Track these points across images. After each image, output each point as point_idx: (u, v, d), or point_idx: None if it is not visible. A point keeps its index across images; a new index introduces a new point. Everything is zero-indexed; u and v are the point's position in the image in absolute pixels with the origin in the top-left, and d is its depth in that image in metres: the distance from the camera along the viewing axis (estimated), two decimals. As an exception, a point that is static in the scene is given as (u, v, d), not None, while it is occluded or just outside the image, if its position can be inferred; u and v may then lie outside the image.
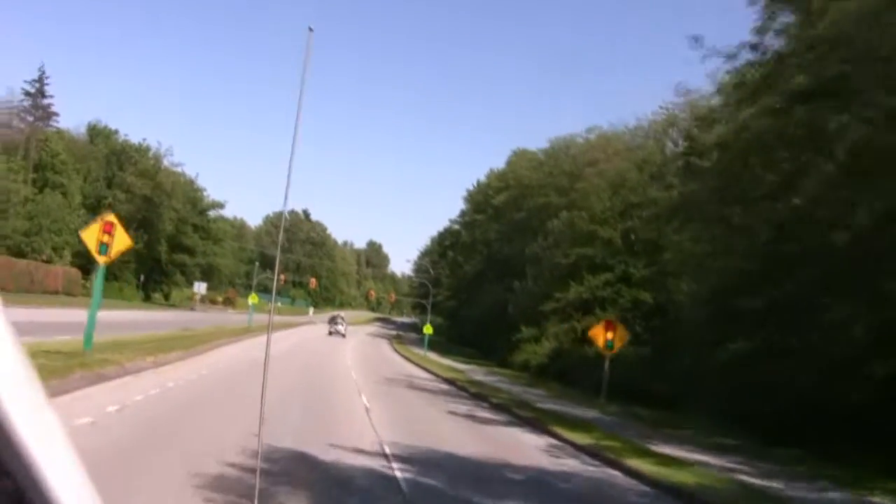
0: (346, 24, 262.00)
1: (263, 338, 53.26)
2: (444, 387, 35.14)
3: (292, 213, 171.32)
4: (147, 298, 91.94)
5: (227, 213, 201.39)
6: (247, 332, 54.66)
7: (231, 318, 79.82)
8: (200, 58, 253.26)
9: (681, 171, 59.03)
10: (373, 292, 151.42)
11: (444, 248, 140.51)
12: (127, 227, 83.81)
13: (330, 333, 76.65)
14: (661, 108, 67.40)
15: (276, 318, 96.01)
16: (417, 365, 49.25)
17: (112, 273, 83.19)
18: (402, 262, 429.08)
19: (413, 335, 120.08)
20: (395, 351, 69.44)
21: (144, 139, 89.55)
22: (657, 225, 59.28)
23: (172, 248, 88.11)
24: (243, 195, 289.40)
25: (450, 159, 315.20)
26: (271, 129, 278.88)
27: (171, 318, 59.10)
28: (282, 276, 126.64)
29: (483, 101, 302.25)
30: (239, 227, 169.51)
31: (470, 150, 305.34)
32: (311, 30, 2.87)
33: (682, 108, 66.51)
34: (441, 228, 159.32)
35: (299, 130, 2.65)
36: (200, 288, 53.24)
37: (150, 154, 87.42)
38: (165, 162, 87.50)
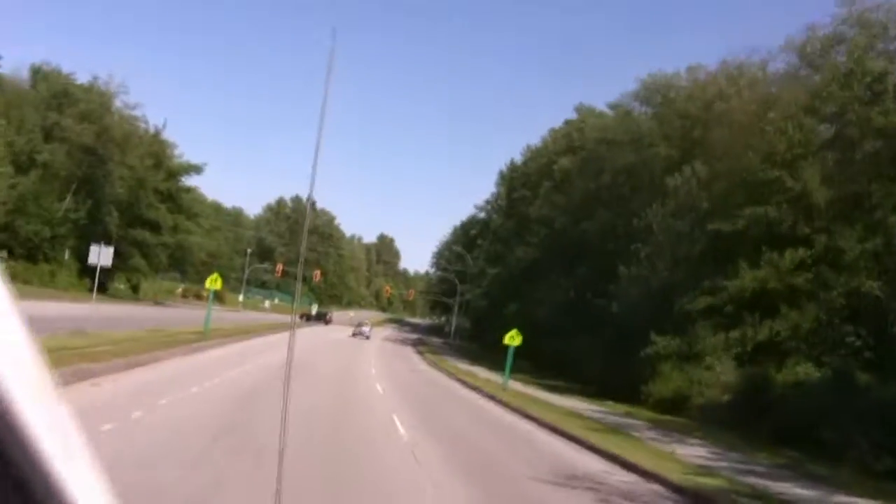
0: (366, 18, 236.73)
1: (213, 354, 27.59)
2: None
3: (296, 199, 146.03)
4: (99, 288, 66.31)
5: (226, 201, 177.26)
6: (197, 340, 29.46)
7: (196, 316, 54.68)
8: (205, 35, 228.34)
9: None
10: (389, 289, 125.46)
11: (471, 238, 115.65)
12: (63, 188, 58.94)
13: (354, 335, 70.35)
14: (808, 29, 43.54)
15: (269, 318, 71.38)
16: (532, 419, 23.39)
17: (40, 252, 58.37)
18: (415, 259, 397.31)
19: (436, 340, 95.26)
20: (443, 371, 44.51)
21: (95, 77, 63.78)
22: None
23: (129, 221, 62.86)
24: (240, 183, 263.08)
25: (469, 147, 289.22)
26: (272, 115, 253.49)
27: (77, 315, 33.66)
28: (279, 267, 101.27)
29: (499, 92, 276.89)
30: (236, 216, 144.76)
31: (489, 138, 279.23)
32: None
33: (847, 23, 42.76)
34: (464, 218, 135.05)
35: (324, 127, 2.40)
36: (104, 256, 27.88)
37: (96, 92, 61.60)
38: (117, 102, 62.03)
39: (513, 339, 33.45)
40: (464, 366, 51.64)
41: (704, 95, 51.57)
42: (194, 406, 13.85)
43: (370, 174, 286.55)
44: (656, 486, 13.74)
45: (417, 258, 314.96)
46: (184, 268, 77.98)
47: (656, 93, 58.01)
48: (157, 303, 71.30)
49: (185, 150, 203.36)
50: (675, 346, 36.32)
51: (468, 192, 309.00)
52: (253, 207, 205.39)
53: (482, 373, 45.74)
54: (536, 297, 65.48)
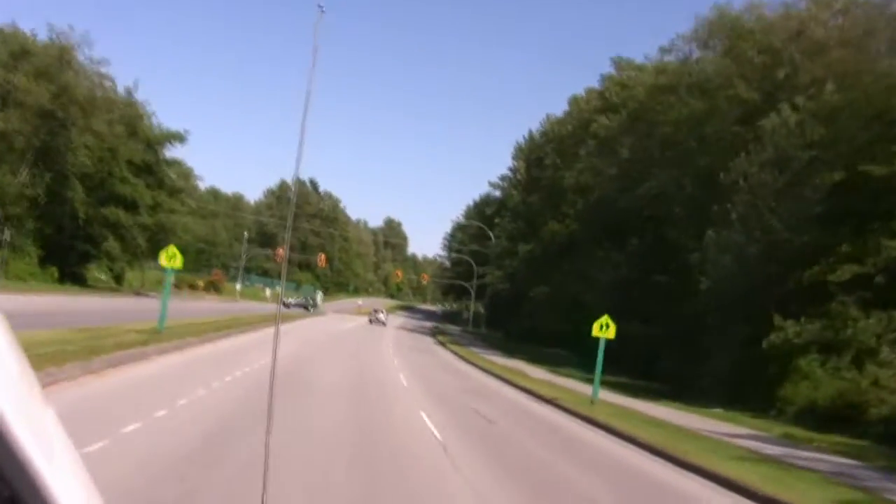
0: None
1: (152, 368, 16.51)
2: None
3: (297, 183, 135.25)
4: (74, 278, 56.04)
5: (225, 187, 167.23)
6: (142, 343, 19.16)
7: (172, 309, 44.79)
8: (202, 14, 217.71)
9: None
10: (399, 273, 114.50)
11: (487, 217, 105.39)
12: (19, 160, 48.30)
13: (370, 322, 70.10)
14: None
15: (266, 309, 61.46)
16: (705, 474, 12.94)
17: (-9, 237, 48.03)
18: (423, 243, 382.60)
19: (453, 328, 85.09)
20: (483, 370, 34.16)
21: (55, 31, 52.47)
22: None
23: (99, 198, 52.66)
24: (240, 169, 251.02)
25: (476, 125, 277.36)
26: (272, 96, 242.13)
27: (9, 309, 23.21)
28: (278, 252, 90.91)
29: (507, 68, 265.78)
30: (236, 202, 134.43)
31: (498, 116, 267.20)
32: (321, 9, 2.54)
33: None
34: (476, 198, 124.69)
35: (311, 102, 2.22)
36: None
37: (54, 46, 50.66)
38: (80, 57, 51.38)
39: (604, 329, 22.60)
40: (501, 360, 41.72)
41: (788, 25, 41.63)
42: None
43: (375, 157, 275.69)
44: None
45: (425, 243, 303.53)
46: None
47: (722, 30, 47.58)
48: (138, 293, 61.17)
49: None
50: (814, 331, 26.04)
51: (477, 173, 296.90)
52: (254, 194, 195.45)
53: (530, 370, 35.71)
54: (577, 277, 55.30)
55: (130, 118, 53.97)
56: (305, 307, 79.03)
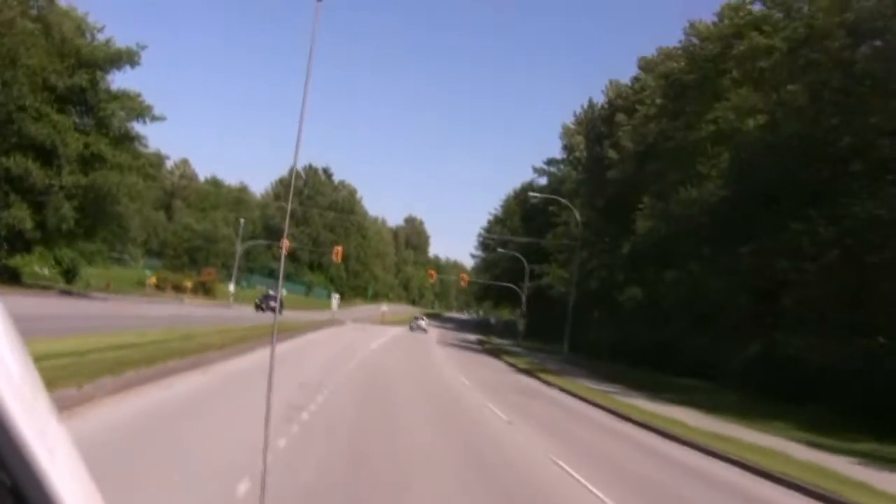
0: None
1: None
2: None
3: (310, 170, 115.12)
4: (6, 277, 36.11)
5: (228, 178, 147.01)
6: None
7: (88, 318, 24.70)
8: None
9: None
10: (433, 273, 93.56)
11: (530, 209, 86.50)
12: None
13: (412, 329, 66.74)
14: None
15: (262, 318, 41.83)
16: None
17: None
18: (444, 245, 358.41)
19: (501, 342, 64.60)
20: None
21: None
22: None
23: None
24: (246, 159, 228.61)
25: (504, 115, 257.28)
26: (281, 80, 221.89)
27: None
28: (285, 244, 70.71)
29: (536, 63, 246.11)
30: (239, 193, 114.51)
31: (523, 110, 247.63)
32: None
33: None
34: (514, 188, 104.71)
35: (309, 87, 2.10)
36: None
37: None
38: None
39: None
40: (674, 413, 21.84)
41: None
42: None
43: (395, 150, 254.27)
44: None
45: (448, 244, 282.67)
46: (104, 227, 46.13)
47: None
48: (64, 292, 41.04)
49: (180, 123, 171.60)
50: None
51: (504, 169, 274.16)
52: (261, 186, 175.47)
53: (802, 452, 15.72)
54: (718, 266, 35.19)
55: (42, 13, 33.94)
56: (262, 308, 59.78)
